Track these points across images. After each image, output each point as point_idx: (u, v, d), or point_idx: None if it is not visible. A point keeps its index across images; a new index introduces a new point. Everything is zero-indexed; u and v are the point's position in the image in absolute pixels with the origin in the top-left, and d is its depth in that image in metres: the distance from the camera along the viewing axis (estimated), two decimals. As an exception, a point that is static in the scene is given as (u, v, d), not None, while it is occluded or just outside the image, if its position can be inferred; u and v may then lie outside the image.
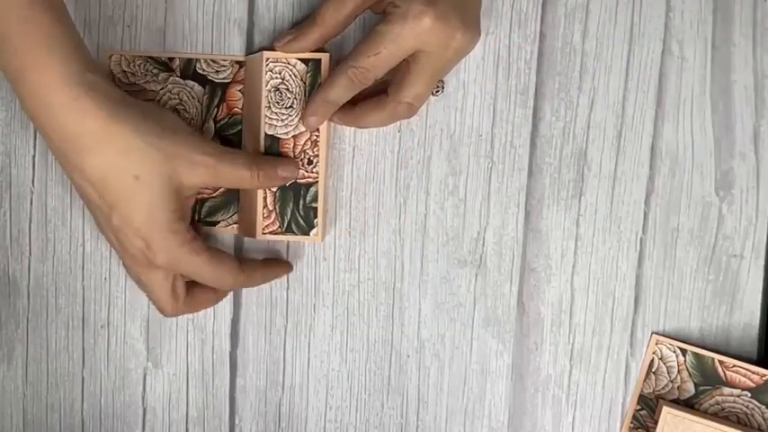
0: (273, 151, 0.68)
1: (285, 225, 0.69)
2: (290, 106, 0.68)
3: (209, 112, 0.71)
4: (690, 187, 0.71)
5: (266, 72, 0.67)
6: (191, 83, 0.71)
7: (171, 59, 0.70)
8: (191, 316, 0.72)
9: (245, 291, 0.72)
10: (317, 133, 0.68)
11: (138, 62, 0.70)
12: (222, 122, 0.71)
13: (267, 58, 0.67)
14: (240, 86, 0.70)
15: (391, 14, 0.63)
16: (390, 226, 0.72)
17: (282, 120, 0.68)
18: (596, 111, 0.71)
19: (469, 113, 0.71)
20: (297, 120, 0.68)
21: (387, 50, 0.64)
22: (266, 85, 0.67)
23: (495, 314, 0.72)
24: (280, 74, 0.67)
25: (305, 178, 0.68)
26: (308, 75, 0.68)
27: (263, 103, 0.68)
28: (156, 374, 0.73)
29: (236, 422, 0.73)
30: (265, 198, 0.68)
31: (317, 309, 0.72)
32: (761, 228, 0.71)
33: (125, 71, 0.70)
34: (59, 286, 0.72)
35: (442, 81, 0.69)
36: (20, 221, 0.72)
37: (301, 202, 0.69)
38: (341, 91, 0.66)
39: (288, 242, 0.71)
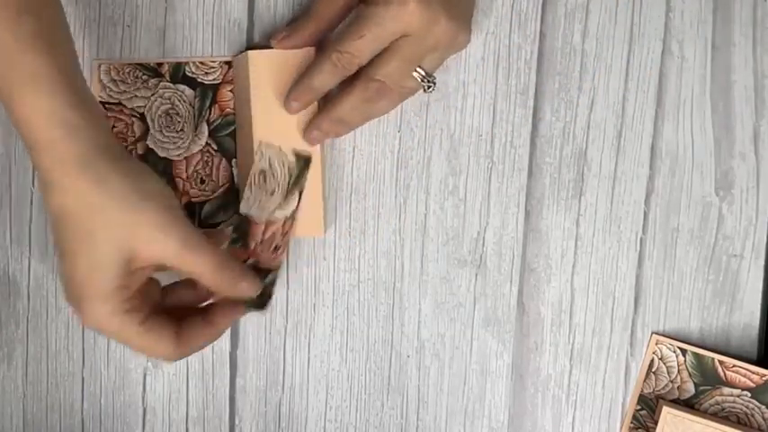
0: (252, 236, 0.66)
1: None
2: (272, 193, 0.66)
3: (202, 114, 0.70)
4: (690, 187, 0.71)
5: (256, 152, 0.66)
6: (181, 86, 0.70)
7: (159, 65, 0.70)
8: (191, 316, 0.72)
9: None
10: (290, 220, 0.66)
11: (127, 70, 0.70)
12: (215, 124, 0.70)
13: (260, 142, 0.65)
14: (231, 87, 0.70)
15: None
16: (390, 226, 0.72)
17: (263, 204, 0.66)
18: (596, 111, 0.71)
19: (469, 113, 0.71)
20: (276, 206, 0.66)
21: (371, 33, 0.63)
22: (253, 167, 0.66)
23: (495, 314, 0.72)
24: (269, 159, 0.66)
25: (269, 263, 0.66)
26: (296, 167, 0.66)
27: (253, 114, 0.67)
28: (156, 374, 0.73)
29: (236, 422, 0.73)
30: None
31: (317, 309, 0.72)
32: (761, 228, 0.71)
33: (114, 80, 0.70)
34: (59, 286, 0.72)
35: (433, 76, 0.67)
36: (20, 221, 0.72)
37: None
38: (325, 77, 0.65)
39: (287, 241, 0.71)
